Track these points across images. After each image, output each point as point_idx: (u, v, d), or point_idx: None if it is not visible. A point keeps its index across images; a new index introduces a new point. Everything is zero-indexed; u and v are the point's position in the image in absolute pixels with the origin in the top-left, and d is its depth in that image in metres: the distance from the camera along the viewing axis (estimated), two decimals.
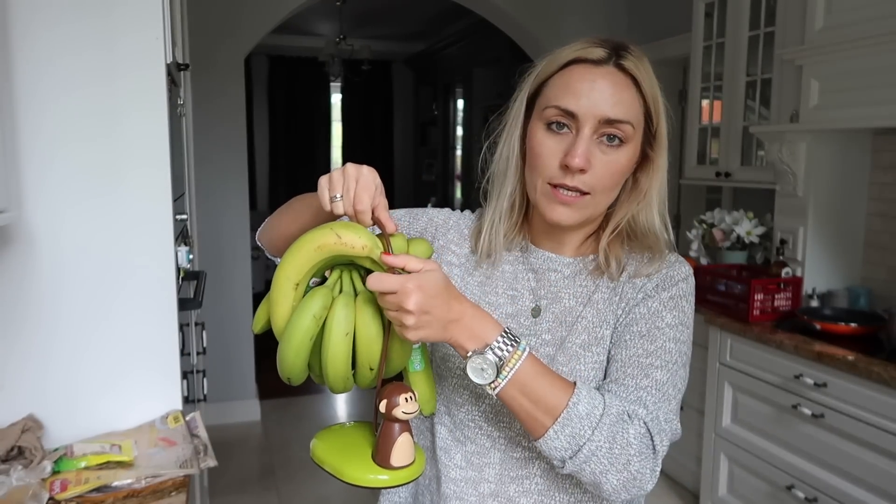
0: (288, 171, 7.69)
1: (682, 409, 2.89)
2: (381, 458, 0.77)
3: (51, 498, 1.14)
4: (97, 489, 1.17)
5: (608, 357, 0.89)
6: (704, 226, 2.97)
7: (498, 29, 4.28)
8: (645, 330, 0.88)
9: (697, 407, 2.74)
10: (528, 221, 0.97)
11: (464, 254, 0.98)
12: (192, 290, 1.83)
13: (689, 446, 2.83)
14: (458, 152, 6.73)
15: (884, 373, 1.88)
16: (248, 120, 4.38)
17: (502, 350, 0.77)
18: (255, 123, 7.25)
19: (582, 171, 0.83)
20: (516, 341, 0.78)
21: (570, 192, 0.84)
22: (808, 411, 2.13)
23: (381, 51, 6.98)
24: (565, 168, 0.83)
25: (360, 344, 0.77)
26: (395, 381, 0.80)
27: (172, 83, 1.62)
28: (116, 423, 1.41)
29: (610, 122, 0.83)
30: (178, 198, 1.60)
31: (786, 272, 2.51)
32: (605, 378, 0.88)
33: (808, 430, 2.16)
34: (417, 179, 7.82)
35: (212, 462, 1.28)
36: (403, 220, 1.01)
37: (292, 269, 0.77)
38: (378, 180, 0.78)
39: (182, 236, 1.74)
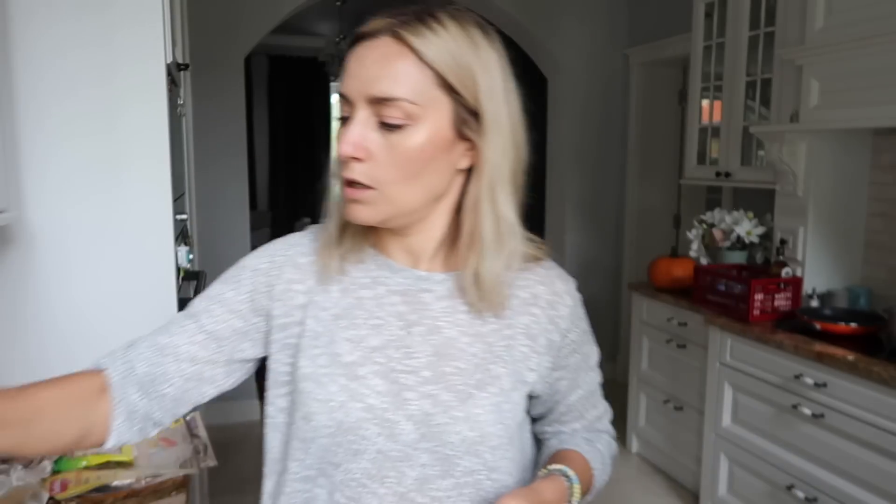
0: (288, 171, 7.69)
1: (681, 408, 2.89)
2: None
3: (51, 498, 1.14)
4: (97, 489, 1.17)
5: (543, 397, 0.88)
6: (704, 226, 2.97)
7: (498, 29, 4.28)
8: (583, 373, 0.90)
9: (697, 407, 2.74)
10: (374, 230, 0.83)
11: (310, 288, 0.82)
12: (192, 290, 1.83)
13: (689, 446, 2.84)
14: None
15: (884, 373, 1.88)
16: (248, 120, 4.38)
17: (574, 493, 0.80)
18: (255, 123, 7.25)
19: (356, 159, 0.72)
20: (570, 479, 0.80)
21: (355, 187, 0.73)
22: (808, 411, 2.13)
23: None
24: (340, 158, 0.73)
25: None
26: None
27: (172, 83, 1.62)
28: None
29: (377, 100, 0.70)
30: (178, 198, 1.60)
31: (786, 272, 2.51)
32: (550, 419, 0.92)
33: (808, 430, 2.16)
34: None
35: (212, 462, 1.28)
36: (227, 293, 0.82)
37: None
38: None
39: (182, 236, 1.74)
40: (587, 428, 0.93)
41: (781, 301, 2.47)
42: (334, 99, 7.88)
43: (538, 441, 0.94)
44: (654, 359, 3.09)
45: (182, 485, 1.21)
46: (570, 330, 0.85)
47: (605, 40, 4.09)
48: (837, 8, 2.26)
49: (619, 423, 3.86)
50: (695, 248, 2.99)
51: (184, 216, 1.81)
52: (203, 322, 0.82)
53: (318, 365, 0.78)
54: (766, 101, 2.76)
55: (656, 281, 3.06)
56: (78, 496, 1.16)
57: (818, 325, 2.26)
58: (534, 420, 0.92)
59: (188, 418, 1.43)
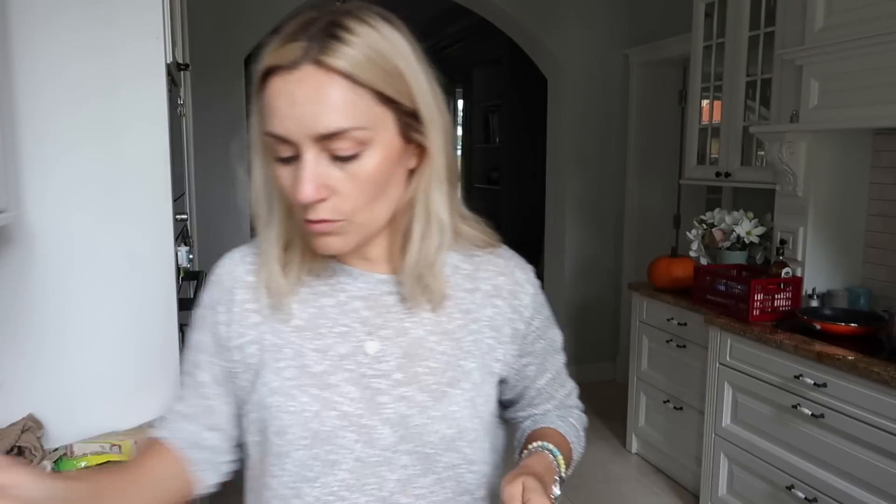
0: None
1: (681, 408, 2.88)
2: None
3: None
4: None
5: (512, 383, 0.88)
6: (704, 226, 2.97)
7: (498, 29, 4.28)
8: (550, 357, 0.91)
9: (697, 407, 2.74)
10: None
11: (265, 304, 0.81)
12: (192, 290, 1.83)
13: (689, 446, 2.84)
14: (458, 152, 6.74)
15: (884, 373, 1.88)
16: (248, 120, 4.37)
17: (560, 467, 0.81)
18: None
19: (321, 200, 0.69)
20: (556, 454, 0.82)
21: (323, 223, 0.71)
22: (808, 411, 2.13)
23: None
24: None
25: None
26: None
27: (172, 83, 1.62)
28: (116, 423, 1.41)
29: (325, 137, 0.67)
30: (178, 198, 1.60)
31: (786, 272, 2.51)
32: (524, 403, 0.93)
33: (808, 430, 2.16)
34: None
35: None
36: (199, 337, 0.83)
37: None
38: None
39: (182, 236, 1.74)
40: (558, 406, 0.95)
41: (781, 301, 2.47)
42: None
43: (511, 426, 0.97)
44: (654, 359, 3.09)
45: None
46: (534, 317, 0.85)
47: (605, 40, 4.09)
48: (837, 8, 2.26)
49: (619, 423, 3.86)
50: (695, 248, 2.99)
51: (184, 216, 1.81)
52: (200, 379, 0.83)
53: (285, 378, 0.77)
54: (766, 101, 2.76)
55: (656, 281, 3.06)
56: None
57: (818, 325, 2.26)
58: (505, 406, 0.94)
59: None
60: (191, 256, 1.73)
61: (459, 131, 6.72)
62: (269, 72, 0.69)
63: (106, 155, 1.37)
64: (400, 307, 0.80)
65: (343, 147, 0.68)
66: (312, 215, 0.70)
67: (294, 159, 0.70)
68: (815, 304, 2.47)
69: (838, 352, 2.05)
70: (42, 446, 1.27)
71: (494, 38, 4.77)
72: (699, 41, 3.08)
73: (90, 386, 1.40)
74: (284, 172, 0.72)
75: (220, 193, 3.67)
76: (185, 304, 1.62)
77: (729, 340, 2.49)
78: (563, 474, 0.81)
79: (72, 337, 1.38)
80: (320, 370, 0.77)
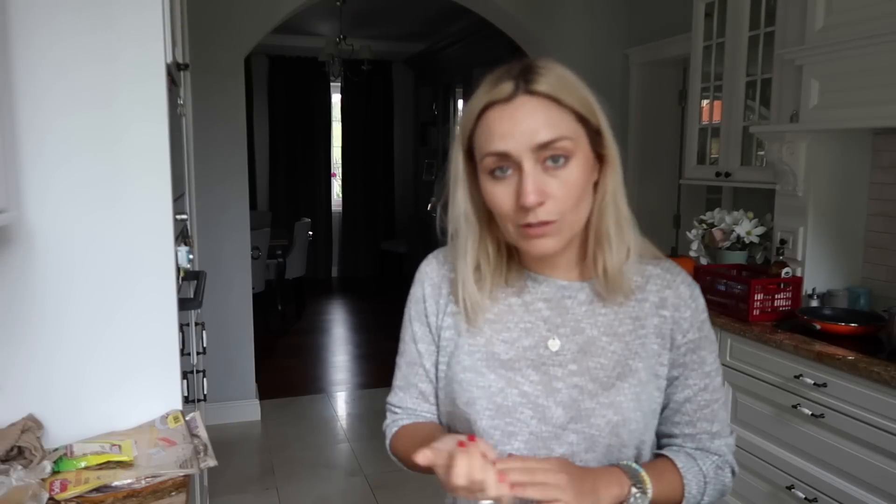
0: (288, 170, 7.70)
1: None
2: None
3: (50, 498, 1.14)
4: (97, 489, 1.17)
5: (660, 398, 0.93)
6: (704, 226, 2.97)
7: (498, 29, 4.28)
8: (695, 374, 0.94)
9: None
10: (515, 255, 0.96)
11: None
12: (192, 290, 1.83)
13: None
14: None
15: (884, 373, 1.88)
16: (248, 120, 4.38)
17: (639, 483, 0.85)
18: (254, 123, 7.25)
19: (540, 204, 0.82)
20: (635, 469, 0.86)
21: (539, 226, 0.84)
22: (808, 411, 2.13)
23: (381, 51, 6.98)
24: (523, 208, 0.83)
25: None
26: None
27: (172, 83, 1.62)
28: (116, 423, 1.41)
29: (544, 146, 0.82)
30: (178, 197, 1.60)
31: (786, 272, 2.51)
32: (663, 417, 0.96)
33: (808, 430, 2.16)
34: (417, 179, 7.82)
35: (212, 462, 1.28)
36: (417, 329, 0.99)
37: None
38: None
39: (182, 236, 1.74)
40: (697, 444, 0.96)
41: (781, 301, 2.47)
42: (334, 99, 7.89)
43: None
44: None
45: (182, 485, 1.21)
46: (690, 331, 0.93)
47: (605, 40, 4.09)
48: (837, 8, 2.26)
49: None
50: (695, 248, 2.99)
51: (184, 216, 1.81)
52: (428, 367, 0.99)
53: (476, 358, 0.92)
54: (766, 101, 2.76)
55: None
56: (78, 496, 1.16)
57: (818, 325, 2.26)
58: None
59: (188, 418, 1.43)
60: (191, 256, 1.73)
61: (458, 131, 6.72)
62: (486, 107, 0.85)
63: (106, 155, 1.37)
64: (577, 310, 0.93)
65: (557, 155, 0.82)
66: (532, 218, 0.83)
67: (508, 173, 0.84)
68: (815, 303, 2.47)
69: (838, 352, 2.05)
70: (42, 446, 1.27)
71: (494, 38, 4.77)
72: (699, 41, 3.08)
73: (90, 386, 1.40)
74: (499, 189, 0.85)
75: (220, 193, 3.67)
76: (185, 304, 1.62)
77: (729, 340, 2.49)
78: (646, 489, 0.85)
79: (72, 337, 1.38)
80: (507, 357, 0.92)
